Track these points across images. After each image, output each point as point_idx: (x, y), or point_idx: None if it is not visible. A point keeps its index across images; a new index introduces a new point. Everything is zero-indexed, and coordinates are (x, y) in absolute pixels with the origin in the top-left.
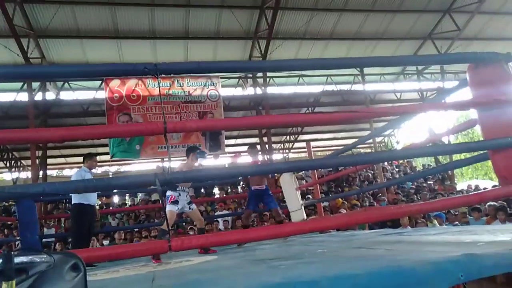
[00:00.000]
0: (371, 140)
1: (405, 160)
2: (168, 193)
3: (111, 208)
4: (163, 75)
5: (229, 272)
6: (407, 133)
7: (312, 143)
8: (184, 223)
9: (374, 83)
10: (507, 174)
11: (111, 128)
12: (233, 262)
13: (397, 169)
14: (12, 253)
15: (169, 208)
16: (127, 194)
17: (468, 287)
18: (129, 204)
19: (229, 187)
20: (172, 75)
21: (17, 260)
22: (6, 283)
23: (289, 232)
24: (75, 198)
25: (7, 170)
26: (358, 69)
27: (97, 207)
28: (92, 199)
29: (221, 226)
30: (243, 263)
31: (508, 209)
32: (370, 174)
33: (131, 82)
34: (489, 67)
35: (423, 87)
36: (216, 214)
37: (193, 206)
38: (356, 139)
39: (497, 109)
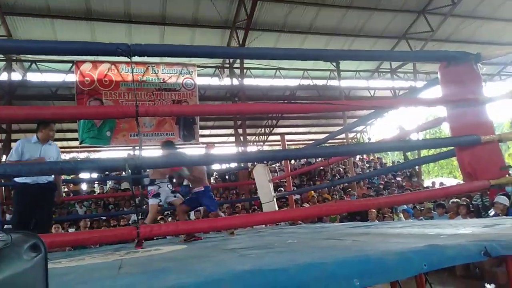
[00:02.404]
0: (343, 136)
1: (376, 157)
2: (149, 188)
3: (79, 195)
4: (136, 57)
5: (198, 260)
6: (379, 130)
7: (286, 137)
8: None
9: (350, 79)
10: (471, 170)
11: (80, 109)
12: (203, 251)
13: (367, 165)
14: None
15: (151, 202)
16: (96, 182)
17: (430, 279)
18: (98, 192)
19: None
20: (146, 59)
21: None
22: None
23: (260, 221)
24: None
25: None
26: (334, 64)
27: (62, 190)
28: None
29: (192, 217)
30: (213, 252)
31: (470, 205)
32: (341, 169)
33: (104, 66)
34: (460, 66)
35: (396, 86)
36: None
37: (178, 195)
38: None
39: (465, 108)
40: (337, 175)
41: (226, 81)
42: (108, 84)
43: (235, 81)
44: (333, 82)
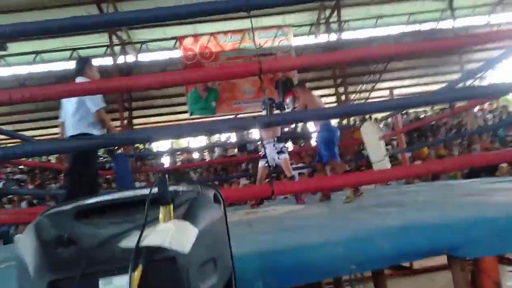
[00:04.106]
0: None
1: (499, 105)
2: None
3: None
4: (234, 24)
5: (333, 218)
6: (502, 78)
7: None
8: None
9: (465, 17)
10: None
11: (207, 72)
12: (331, 210)
13: (491, 115)
14: (167, 178)
15: (259, 164)
16: (205, 151)
17: None
18: (207, 159)
19: (302, 141)
20: (242, 25)
21: (172, 188)
22: (163, 207)
23: (387, 178)
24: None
25: None
26: (447, 1)
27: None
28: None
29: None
30: (341, 211)
31: None
32: (457, 122)
33: (204, 39)
34: None
35: None
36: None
37: (283, 156)
38: (441, 84)
39: None
40: (453, 129)
41: (323, 38)
42: (209, 55)
43: (332, 37)
44: (445, 24)
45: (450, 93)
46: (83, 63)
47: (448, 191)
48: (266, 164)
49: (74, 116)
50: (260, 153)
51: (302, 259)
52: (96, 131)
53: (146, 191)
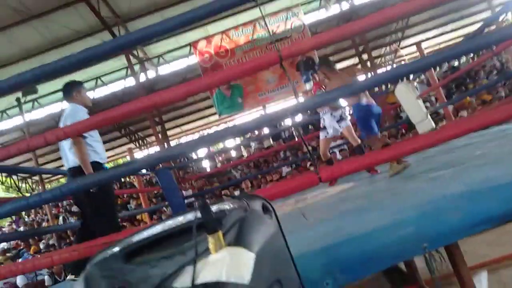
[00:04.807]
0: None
1: None
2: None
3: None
4: (242, 16)
5: (387, 194)
6: None
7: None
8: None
9: None
10: None
11: (227, 72)
12: (380, 185)
13: None
14: (208, 203)
15: (320, 136)
16: (242, 146)
17: None
18: (245, 155)
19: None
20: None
21: (215, 208)
22: (212, 235)
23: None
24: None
25: (137, 149)
26: None
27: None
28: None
29: (338, 157)
30: (394, 184)
31: None
32: (497, 63)
33: (216, 39)
34: None
35: None
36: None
37: (344, 123)
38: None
39: None
40: (494, 71)
41: (335, 9)
42: (224, 54)
43: (345, 5)
44: None
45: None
46: (70, 88)
47: (505, 139)
48: (327, 136)
49: (71, 149)
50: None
51: (370, 246)
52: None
53: (189, 217)
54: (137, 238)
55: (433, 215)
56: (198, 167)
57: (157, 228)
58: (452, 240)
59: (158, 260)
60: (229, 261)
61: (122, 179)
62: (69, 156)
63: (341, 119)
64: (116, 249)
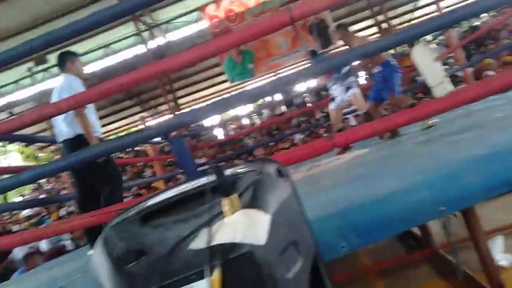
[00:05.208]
0: None
1: None
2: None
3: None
4: None
5: (406, 157)
6: None
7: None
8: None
9: None
10: None
11: (238, 35)
12: (399, 149)
13: None
14: (222, 166)
15: (329, 107)
16: (254, 114)
17: None
18: (257, 123)
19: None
20: None
21: (230, 172)
22: (227, 198)
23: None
24: (73, 129)
25: (150, 118)
26: None
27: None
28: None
29: (353, 123)
30: (411, 147)
31: None
32: None
33: (225, 2)
34: None
35: None
36: (344, 111)
37: (352, 91)
38: None
39: None
40: None
41: None
42: (234, 18)
43: None
44: None
45: None
46: (64, 59)
47: None
48: (336, 107)
49: (65, 120)
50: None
51: (385, 210)
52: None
53: (204, 180)
54: (152, 202)
55: (451, 177)
56: (210, 135)
57: (172, 192)
58: (470, 203)
59: (173, 223)
60: (245, 223)
61: (136, 148)
62: (62, 128)
63: (349, 87)
64: (132, 212)
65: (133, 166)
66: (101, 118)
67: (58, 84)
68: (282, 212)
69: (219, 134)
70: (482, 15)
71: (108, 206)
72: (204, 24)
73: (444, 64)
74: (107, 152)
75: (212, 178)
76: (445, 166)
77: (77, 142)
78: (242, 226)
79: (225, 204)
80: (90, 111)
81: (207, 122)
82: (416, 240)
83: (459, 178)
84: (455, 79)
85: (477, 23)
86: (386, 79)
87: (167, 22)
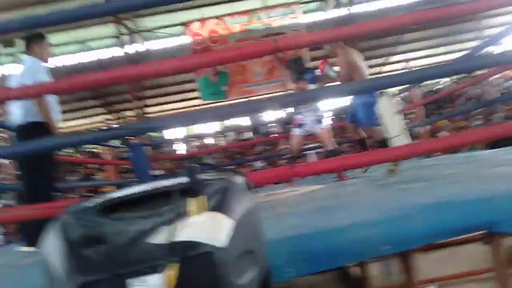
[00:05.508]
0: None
1: None
2: (295, 117)
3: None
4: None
5: (357, 197)
6: None
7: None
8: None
9: None
10: None
11: (221, 54)
12: (353, 189)
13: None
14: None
15: (295, 132)
16: (220, 136)
17: None
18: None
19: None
20: (249, 6)
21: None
22: (196, 199)
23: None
24: (30, 115)
25: (114, 122)
26: None
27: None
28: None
29: (313, 159)
30: (365, 189)
31: None
32: (477, 91)
33: (211, 23)
34: None
35: None
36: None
37: (324, 125)
38: (458, 53)
39: None
40: (473, 99)
41: (332, 13)
42: (217, 39)
43: (343, 11)
44: None
45: (470, 61)
46: (31, 40)
47: (474, 163)
48: (302, 133)
49: (24, 106)
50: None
51: (334, 242)
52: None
53: (172, 182)
54: (115, 195)
55: (396, 220)
56: (172, 149)
57: (138, 188)
58: (410, 246)
59: (135, 218)
60: (209, 224)
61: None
62: (17, 112)
63: (320, 120)
64: (93, 203)
65: (85, 167)
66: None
67: (22, 64)
68: (245, 221)
69: (181, 149)
70: (444, 80)
71: (32, 201)
72: (186, 40)
73: (405, 118)
74: (69, 145)
75: (183, 179)
76: (392, 209)
77: (30, 130)
78: (206, 227)
79: (192, 204)
80: (53, 100)
81: (170, 135)
82: (355, 280)
83: (403, 221)
84: (412, 134)
85: (439, 86)
86: (365, 105)
87: (150, 30)
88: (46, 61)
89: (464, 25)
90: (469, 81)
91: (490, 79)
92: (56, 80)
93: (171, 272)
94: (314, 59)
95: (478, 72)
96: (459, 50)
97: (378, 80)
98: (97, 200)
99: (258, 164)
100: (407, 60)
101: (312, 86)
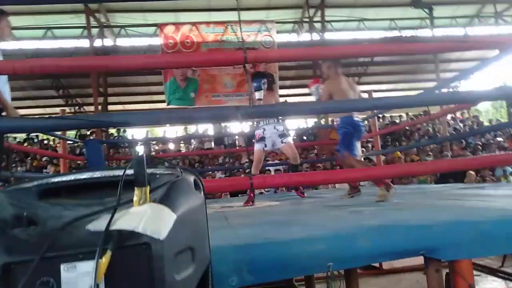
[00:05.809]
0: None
1: (471, 115)
2: (255, 132)
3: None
4: (216, 15)
5: (308, 215)
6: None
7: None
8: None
9: (444, 27)
10: None
11: (190, 57)
12: (306, 207)
13: (461, 124)
14: (144, 159)
15: (255, 147)
16: (182, 142)
17: None
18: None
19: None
20: (225, 18)
21: (148, 170)
22: (139, 189)
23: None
24: None
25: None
26: (427, 11)
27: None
28: None
29: None
30: (319, 208)
31: None
32: (430, 129)
33: (185, 28)
34: None
35: (501, 33)
36: (268, 163)
37: (287, 139)
38: (417, 91)
39: None
40: (426, 135)
41: (305, 37)
42: (190, 45)
43: (315, 36)
44: (424, 32)
45: (427, 97)
46: None
47: (422, 194)
48: (265, 148)
49: None
50: (257, 134)
51: (280, 254)
52: None
53: (119, 172)
54: (56, 179)
55: (343, 238)
56: (131, 150)
57: (82, 176)
58: (355, 264)
59: (74, 205)
60: (150, 215)
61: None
62: None
63: (283, 134)
64: (30, 184)
65: (34, 159)
66: (16, 99)
67: None
68: (189, 217)
69: (141, 151)
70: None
71: None
72: (157, 41)
73: (362, 146)
74: (22, 130)
75: (130, 170)
76: (340, 228)
77: None
78: (146, 217)
79: (135, 194)
80: (3, 80)
81: (131, 136)
82: None
83: (351, 240)
84: (368, 162)
85: (397, 120)
86: (344, 136)
87: (122, 27)
88: (4, 36)
89: (425, 66)
90: (423, 118)
91: (442, 119)
92: (8, 60)
93: (104, 261)
94: (283, 78)
95: (432, 112)
96: (419, 89)
97: (339, 103)
98: (36, 183)
99: (218, 174)
100: (369, 92)
101: (257, 94)
